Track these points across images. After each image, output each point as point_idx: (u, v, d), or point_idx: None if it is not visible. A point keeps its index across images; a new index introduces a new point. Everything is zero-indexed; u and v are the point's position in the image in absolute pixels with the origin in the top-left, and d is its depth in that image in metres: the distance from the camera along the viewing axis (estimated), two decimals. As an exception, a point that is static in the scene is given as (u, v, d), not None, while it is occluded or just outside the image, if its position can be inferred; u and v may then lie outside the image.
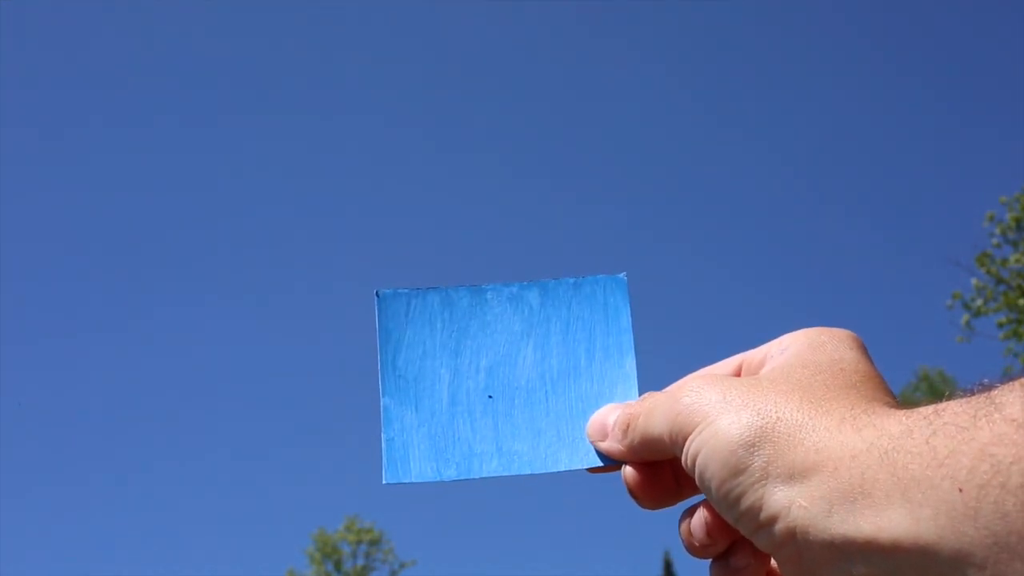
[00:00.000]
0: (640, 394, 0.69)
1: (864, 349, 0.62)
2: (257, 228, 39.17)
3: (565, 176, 40.30)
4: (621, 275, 0.72)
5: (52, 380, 37.87)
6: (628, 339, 0.70)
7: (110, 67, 39.94)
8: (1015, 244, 15.48)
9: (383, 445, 0.68)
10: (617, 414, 0.66)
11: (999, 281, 15.41)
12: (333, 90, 40.47)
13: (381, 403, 0.69)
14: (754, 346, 0.65)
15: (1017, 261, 15.28)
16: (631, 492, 0.64)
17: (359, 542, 25.60)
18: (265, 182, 39.39)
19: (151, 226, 38.37)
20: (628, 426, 0.64)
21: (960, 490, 0.47)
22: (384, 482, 0.67)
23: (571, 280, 0.72)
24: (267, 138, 39.38)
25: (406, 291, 0.71)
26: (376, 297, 0.71)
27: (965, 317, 15.50)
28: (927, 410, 0.51)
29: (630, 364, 0.70)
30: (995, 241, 15.56)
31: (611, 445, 0.65)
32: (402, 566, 25.78)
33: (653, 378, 0.68)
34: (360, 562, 25.60)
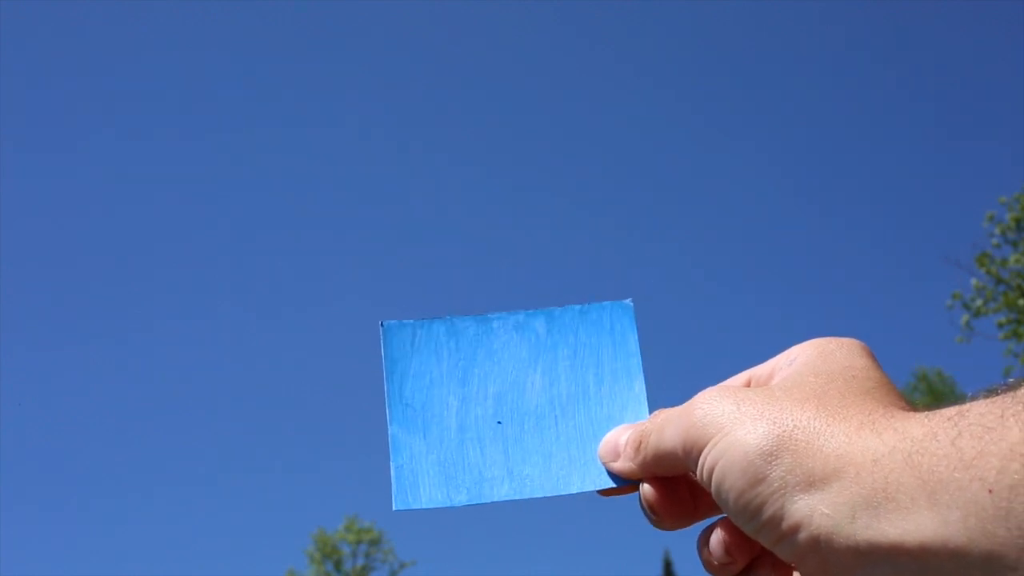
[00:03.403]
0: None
1: (873, 357, 0.61)
2: (257, 235, 39.18)
3: (564, 203, 40.30)
4: (627, 301, 0.72)
5: (54, 381, 37.87)
6: (636, 362, 0.70)
7: (120, 70, 39.94)
8: (1015, 244, 15.47)
9: (392, 472, 0.68)
10: (629, 433, 0.66)
11: (999, 281, 15.40)
12: (337, 106, 40.47)
13: (389, 432, 0.69)
14: (760, 354, 0.65)
15: (1017, 261, 15.27)
16: (651, 510, 0.64)
17: (359, 542, 25.60)
18: (267, 191, 39.40)
19: (152, 233, 38.37)
20: (640, 443, 0.64)
21: (990, 491, 0.46)
22: (395, 508, 0.67)
23: (577, 307, 0.72)
24: (275, 152, 39.40)
25: (411, 322, 0.71)
26: (381, 328, 0.71)
27: (965, 317, 15.49)
28: (950, 411, 0.51)
29: (639, 387, 0.70)
30: (995, 241, 15.55)
31: (623, 464, 0.65)
32: (402, 566, 25.76)
33: (663, 401, 0.68)
34: (360, 562, 25.59)
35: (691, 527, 0.65)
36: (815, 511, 0.52)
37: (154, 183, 38.65)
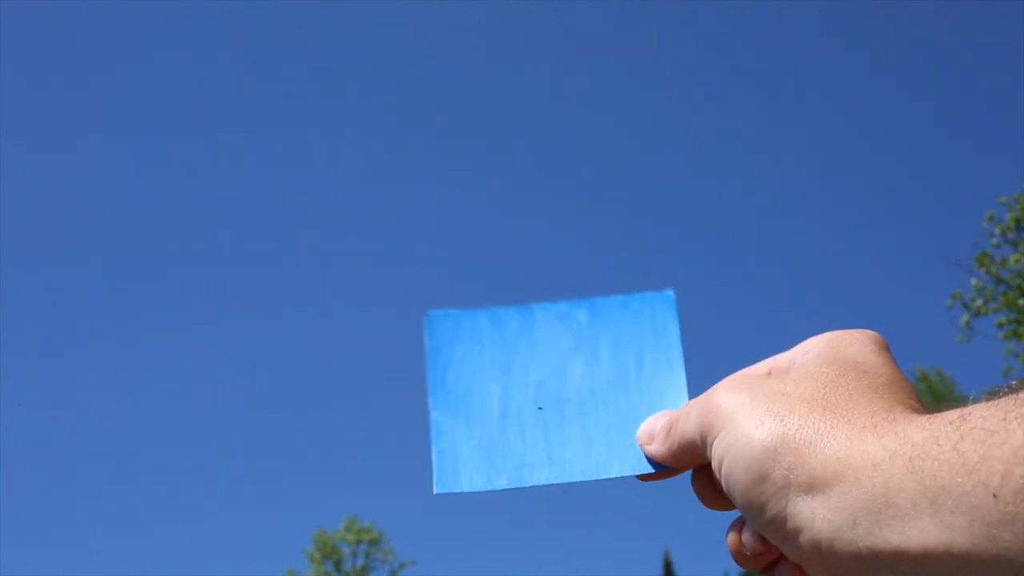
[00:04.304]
0: None
1: (887, 351, 0.61)
2: (258, 235, 39.15)
3: (565, 203, 40.31)
4: (668, 291, 0.73)
5: (55, 381, 37.85)
6: (677, 352, 0.71)
7: (120, 71, 39.91)
8: (1015, 244, 15.46)
9: (434, 457, 0.68)
10: (665, 418, 0.66)
11: (999, 281, 15.39)
12: (337, 106, 40.45)
13: (431, 418, 0.70)
14: (756, 356, 0.66)
15: (1017, 261, 15.26)
16: (697, 496, 0.64)
17: (359, 542, 25.54)
18: (267, 191, 39.37)
19: (152, 233, 38.34)
20: (671, 428, 0.64)
21: (994, 496, 0.46)
22: (435, 492, 0.67)
23: (619, 297, 0.73)
24: (275, 152, 39.38)
25: (455, 312, 0.72)
26: (425, 318, 0.72)
27: (965, 317, 15.47)
28: (952, 415, 0.50)
29: (680, 375, 0.70)
30: (995, 241, 15.54)
31: (656, 448, 0.66)
32: (402, 566, 25.71)
33: (703, 389, 0.69)
34: (360, 562, 25.54)
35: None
36: (816, 515, 0.52)
37: (155, 183, 38.64)
